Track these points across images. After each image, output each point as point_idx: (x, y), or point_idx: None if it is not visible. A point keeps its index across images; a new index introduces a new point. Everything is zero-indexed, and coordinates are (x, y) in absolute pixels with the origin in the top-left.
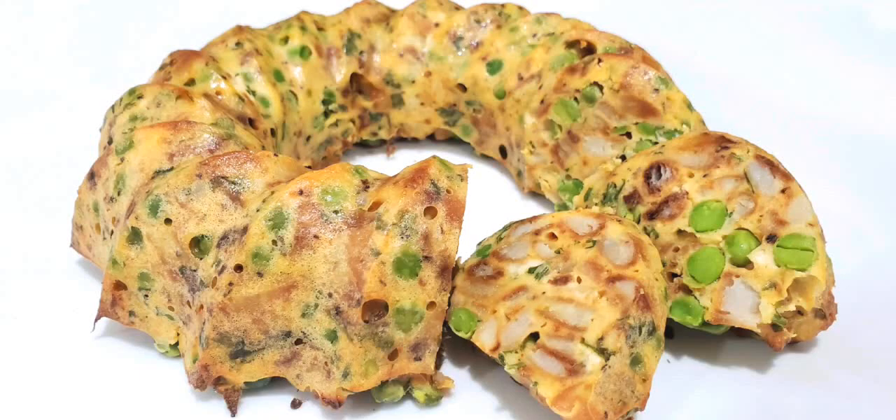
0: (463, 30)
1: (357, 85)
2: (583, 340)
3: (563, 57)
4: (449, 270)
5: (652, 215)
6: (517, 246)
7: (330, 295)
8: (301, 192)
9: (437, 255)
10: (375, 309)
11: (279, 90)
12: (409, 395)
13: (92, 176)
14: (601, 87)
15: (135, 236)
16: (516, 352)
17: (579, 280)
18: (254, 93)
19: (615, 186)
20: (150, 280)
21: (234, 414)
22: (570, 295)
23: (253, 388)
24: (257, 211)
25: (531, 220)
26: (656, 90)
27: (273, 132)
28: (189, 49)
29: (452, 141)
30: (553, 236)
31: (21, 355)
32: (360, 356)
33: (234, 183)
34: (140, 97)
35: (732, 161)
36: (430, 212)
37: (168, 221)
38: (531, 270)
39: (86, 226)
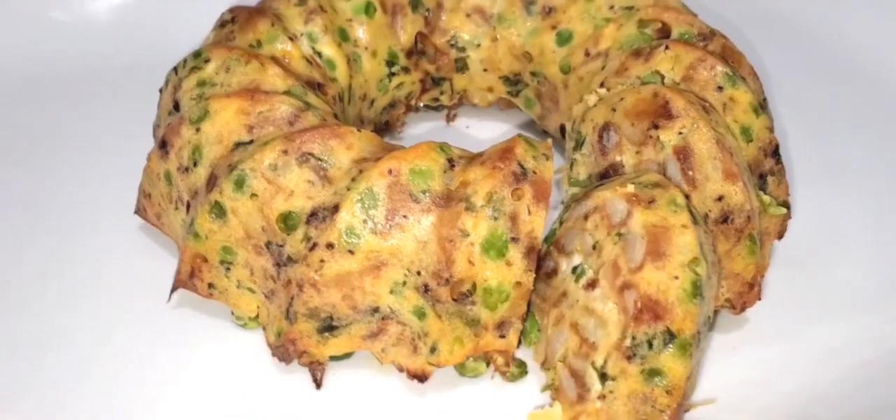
0: None
1: (421, 46)
2: (593, 363)
3: (634, 37)
4: (535, 251)
5: (602, 176)
6: (570, 233)
7: (419, 273)
8: (390, 172)
9: (523, 236)
10: (463, 288)
11: (344, 51)
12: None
13: (163, 144)
14: (663, 78)
15: (218, 210)
16: (553, 369)
17: (601, 287)
18: (320, 55)
19: (581, 134)
20: (233, 253)
21: (319, 386)
22: (593, 304)
23: (334, 360)
24: (347, 189)
25: (586, 194)
26: (719, 88)
27: (340, 97)
28: (248, 5)
29: (514, 112)
30: (596, 223)
31: (97, 324)
32: (448, 333)
33: (320, 159)
34: (207, 60)
35: (657, 145)
36: (516, 193)
37: (254, 196)
38: (574, 270)
39: (155, 194)
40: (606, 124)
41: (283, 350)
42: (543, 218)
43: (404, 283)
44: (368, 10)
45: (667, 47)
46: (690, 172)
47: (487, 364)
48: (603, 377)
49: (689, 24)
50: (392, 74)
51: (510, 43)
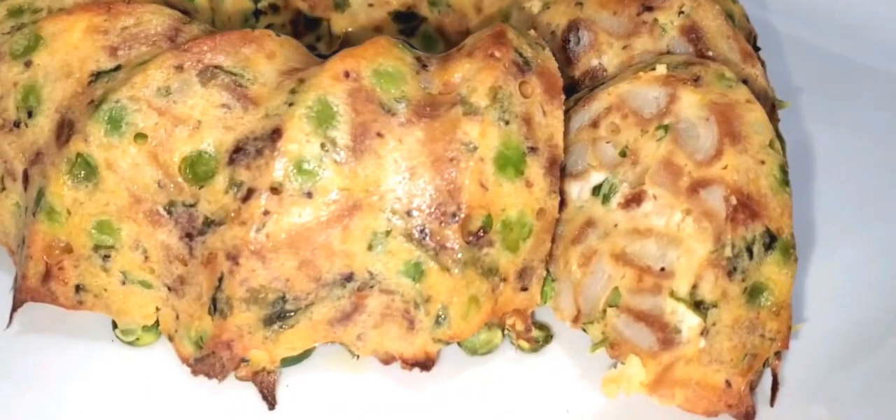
0: None
1: None
2: (672, 293)
3: None
4: (558, 165)
5: (570, 93)
6: (576, 150)
7: (409, 213)
8: (347, 75)
9: (543, 144)
10: (476, 224)
11: None
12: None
13: None
14: None
15: (84, 168)
16: (599, 321)
17: (655, 197)
18: None
19: None
20: (114, 231)
21: (273, 405)
22: (647, 223)
23: (289, 366)
24: (289, 105)
25: (585, 100)
26: None
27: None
28: None
29: None
30: (615, 126)
31: None
32: (462, 291)
33: (232, 73)
34: None
35: (655, 30)
36: (524, 88)
37: (140, 138)
38: (596, 190)
39: None
40: (573, 23)
41: (211, 362)
42: (561, 120)
43: (389, 231)
44: None
45: None
46: (709, 53)
47: (503, 332)
48: (698, 306)
49: None
50: (258, 12)
51: None
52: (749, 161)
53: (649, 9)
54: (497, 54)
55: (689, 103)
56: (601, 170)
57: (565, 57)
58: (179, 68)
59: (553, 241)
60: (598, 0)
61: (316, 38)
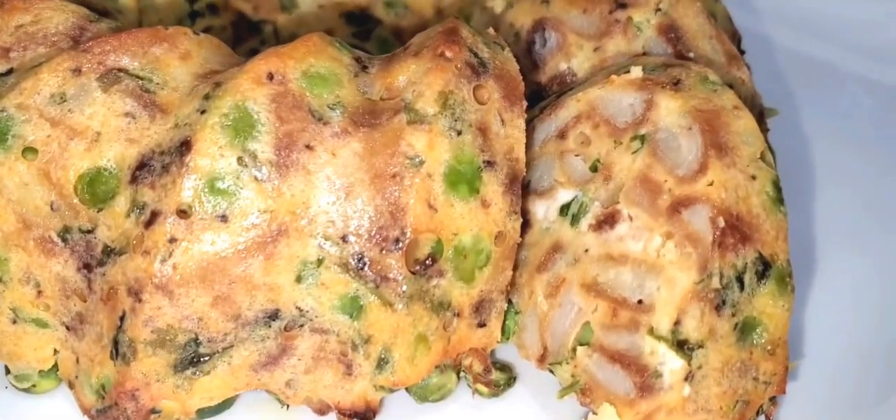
0: None
1: None
2: (652, 330)
3: None
4: (519, 181)
5: (536, 101)
6: (541, 165)
7: (344, 239)
8: (271, 77)
9: (501, 157)
10: (423, 250)
11: None
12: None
13: None
14: None
15: None
16: (568, 362)
17: (631, 217)
18: None
19: None
20: (0, 262)
21: None
22: (622, 248)
23: (205, 416)
24: (201, 113)
25: (551, 108)
26: None
27: None
28: None
29: None
30: (585, 137)
31: None
32: (408, 329)
33: (139, 77)
34: None
35: (629, 30)
36: (479, 93)
37: (29, 153)
38: (564, 210)
39: None
40: (538, 23)
41: (115, 414)
42: (522, 129)
43: (320, 260)
44: None
45: None
46: (690, 54)
47: (458, 375)
48: (681, 346)
49: None
50: (195, 14)
51: None
52: (738, 176)
53: (622, 6)
54: (448, 54)
55: (669, 110)
56: (570, 187)
57: (531, 60)
58: (77, 72)
59: (515, 268)
60: None
61: (260, 42)
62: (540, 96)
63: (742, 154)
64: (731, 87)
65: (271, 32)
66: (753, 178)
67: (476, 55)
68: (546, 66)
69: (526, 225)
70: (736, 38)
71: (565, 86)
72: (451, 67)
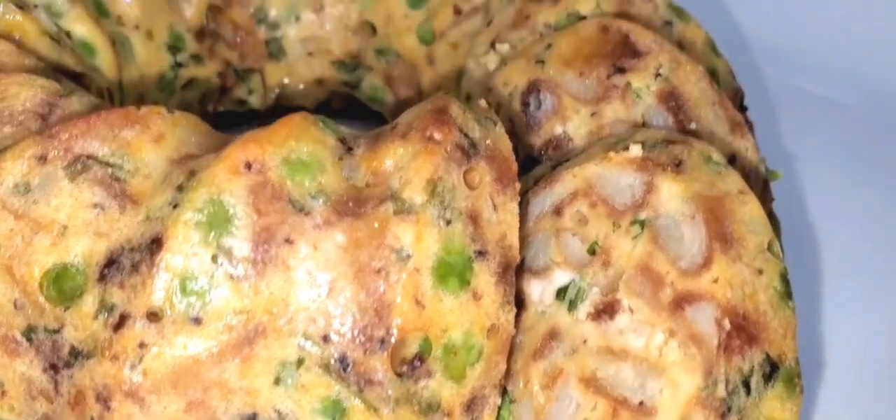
0: None
1: (214, 25)
2: None
3: None
4: (512, 270)
5: (531, 164)
6: (536, 242)
7: (326, 339)
8: (249, 166)
9: (493, 246)
10: (410, 350)
11: (105, 29)
12: None
13: None
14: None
15: None
16: None
17: (632, 309)
18: (69, 35)
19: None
20: None
21: None
22: (622, 342)
23: None
24: (173, 207)
25: (547, 181)
26: (668, 23)
27: (109, 95)
28: None
29: (355, 109)
30: (582, 216)
31: None
32: None
33: (109, 164)
34: None
35: (628, 96)
36: (470, 177)
37: None
38: (561, 294)
39: None
40: (533, 84)
41: None
42: (516, 214)
43: (301, 361)
44: None
45: None
46: (691, 124)
47: None
48: None
49: None
50: (178, 65)
51: (342, 12)
52: (744, 271)
53: (621, 71)
54: (437, 136)
55: (671, 195)
56: (566, 268)
57: (525, 122)
58: (42, 159)
59: (511, 352)
60: (562, 58)
61: (248, 91)
62: (534, 159)
63: (748, 245)
64: (734, 158)
65: (259, 81)
66: (760, 272)
67: (466, 135)
68: (541, 128)
69: (520, 305)
70: (738, 95)
71: (560, 150)
72: (441, 151)
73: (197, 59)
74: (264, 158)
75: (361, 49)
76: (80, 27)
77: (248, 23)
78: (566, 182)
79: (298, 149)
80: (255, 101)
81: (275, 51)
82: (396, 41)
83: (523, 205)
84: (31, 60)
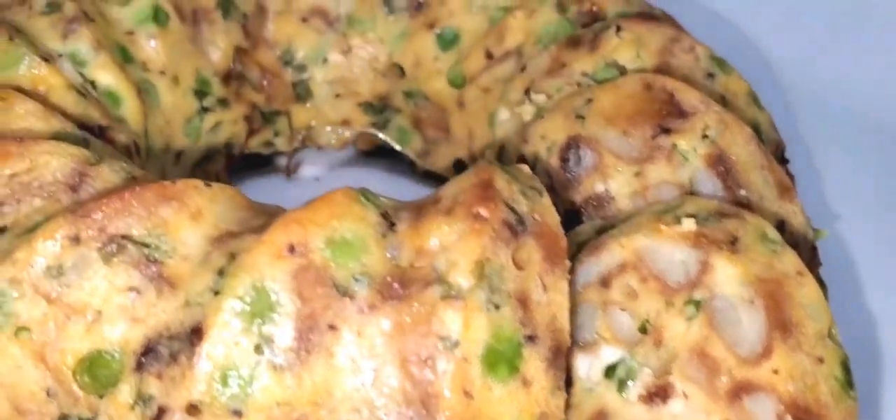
0: None
1: (241, 67)
2: None
3: (557, 25)
4: (563, 354)
5: (570, 221)
6: (582, 313)
7: None
8: (292, 249)
9: (543, 329)
10: None
11: (131, 77)
12: None
13: None
14: (624, 70)
15: None
16: None
17: (686, 395)
18: (94, 84)
19: (525, 161)
20: None
21: None
22: None
23: None
24: (215, 294)
25: (593, 249)
26: (710, 75)
27: (135, 148)
28: None
29: (382, 152)
30: (632, 290)
31: None
32: None
33: (145, 245)
34: None
35: (674, 158)
36: (518, 256)
37: (22, 332)
38: (610, 371)
39: None
40: (573, 140)
41: None
42: (566, 293)
43: None
44: (158, 16)
45: (619, 28)
46: (741, 191)
47: None
48: None
49: (625, 2)
50: (204, 109)
51: (370, 54)
52: (804, 361)
53: (667, 131)
54: (483, 213)
55: (728, 277)
56: (615, 344)
57: (564, 178)
58: (75, 240)
59: None
60: (604, 115)
61: (274, 133)
62: (574, 215)
63: (808, 332)
64: (782, 226)
65: (286, 123)
66: (821, 360)
67: (513, 210)
68: (581, 185)
69: (566, 382)
70: (780, 148)
71: (602, 208)
72: (488, 230)
73: (223, 103)
74: (307, 240)
75: (389, 91)
76: (106, 75)
77: (274, 65)
78: (614, 252)
79: (341, 228)
80: (281, 143)
81: (302, 93)
82: (425, 84)
83: (576, 262)
84: (58, 121)
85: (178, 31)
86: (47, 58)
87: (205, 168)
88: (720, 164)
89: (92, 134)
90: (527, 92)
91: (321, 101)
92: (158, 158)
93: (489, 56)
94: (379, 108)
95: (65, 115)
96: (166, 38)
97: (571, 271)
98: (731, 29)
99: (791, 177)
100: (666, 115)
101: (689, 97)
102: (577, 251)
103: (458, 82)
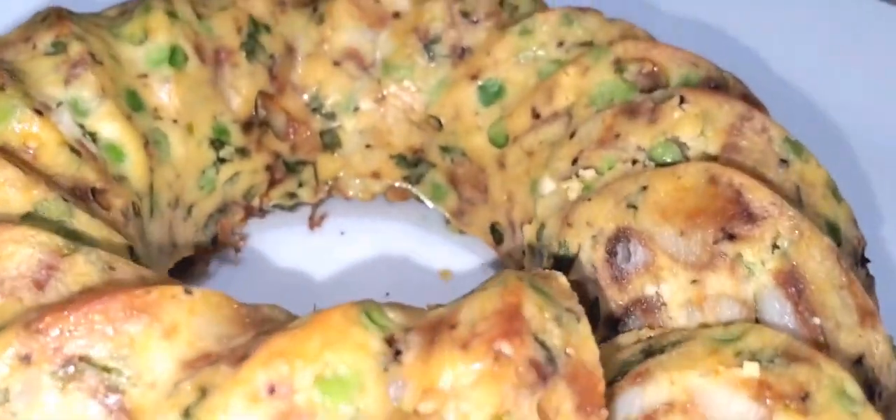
0: (441, 25)
1: (265, 113)
2: None
3: (613, 86)
4: None
5: (614, 322)
6: None
7: None
8: (272, 390)
9: None
10: None
11: (139, 128)
12: None
13: None
14: (685, 148)
15: None
16: None
17: None
18: (94, 137)
19: (564, 247)
20: None
21: None
22: None
23: None
24: None
25: (638, 377)
26: (783, 162)
27: (134, 210)
28: None
29: (412, 205)
30: None
31: None
32: None
33: (107, 370)
34: None
35: (738, 269)
36: (545, 404)
37: None
38: None
39: None
40: (622, 232)
41: None
42: None
43: None
44: (175, 58)
45: (682, 99)
46: (814, 318)
47: None
48: None
49: (692, 65)
50: (221, 161)
51: (406, 104)
52: None
53: (731, 237)
54: (507, 350)
55: None
56: None
57: (610, 273)
58: (26, 359)
59: None
60: (660, 208)
61: (298, 184)
62: (619, 319)
63: None
64: (860, 361)
65: (311, 173)
66: None
67: (543, 345)
68: (629, 284)
69: None
70: (860, 245)
71: (651, 314)
72: (510, 374)
73: (242, 152)
74: (292, 378)
75: (425, 144)
76: (109, 126)
77: (301, 112)
78: (661, 386)
79: (335, 362)
80: (306, 194)
81: (330, 142)
82: (464, 139)
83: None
84: (40, 190)
85: (196, 74)
86: (43, 109)
87: (217, 222)
88: (791, 283)
89: (83, 199)
90: (574, 162)
91: (350, 152)
92: (165, 215)
93: (535, 115)
94: (412, 162)
95: (52, 178)
96: (182, 82)
97: (609, 396)
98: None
99: (871, 279)
100: (731, 217)
101: (759, 197)
102: (617, 374)
103: (500, 141)
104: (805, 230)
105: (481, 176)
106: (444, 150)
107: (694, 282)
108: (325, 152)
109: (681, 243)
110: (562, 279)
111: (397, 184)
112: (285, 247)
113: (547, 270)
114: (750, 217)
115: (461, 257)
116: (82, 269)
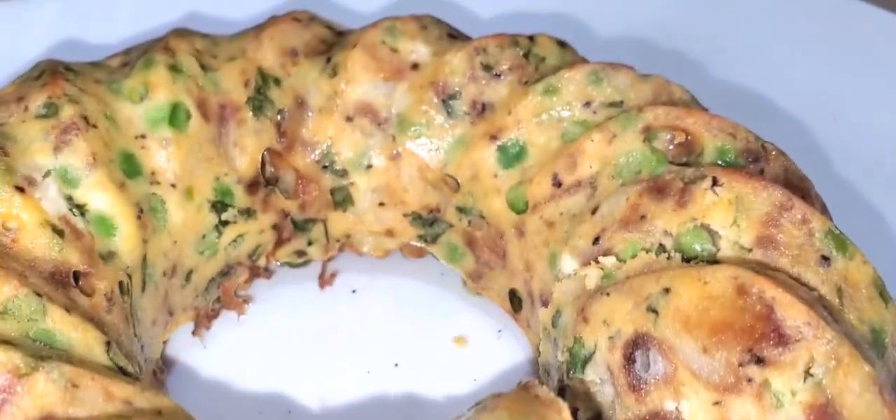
0: (461, 80)
1: (273, 171)
2: None
3: (642, 157)
4: None
5: None
6: None
7: None
8: None
9: None
10: None
11: (133, 196)
12: None
13: None
14: (716, 237)
15: None
16: None
17: None
18: (83, 211)
19: (581, 344)
20: None
21: None
22: None
23: None
24: None
25: None
26: (824, 259)
27: (122, 289)
28: None
29: (427, 261)
30: None
31: None
32: None
33: None
34: None
35: (765, 397)
36: None
37: None
38: None
39: None
40: (642, 338)
41: None
42: None
43: None
44: (176, 118)
45: (715, 181)
46: None
47: None
48: None
49: (729, 136)
50: (223, 223)
51: (421, 162)
52: None
53: (759, 361)
54: None
55: None
56: None
57: (626, 381)
58: None
59: None
60: (682, 318)
61: (308, 242)
62: None
63: None
64: None
65: (321, 231)
66: None
67: None
68: (647, 395)
69: None
70: None
71: None
72: None
73: (247, 213)
74: None
75: (441, 204)
76: (100, 197)
77: (311, 169)
78: None
79: None
80: (315, 252)
81: (341, 200)
82: (482, 201)
83: None
84: (11, 286)
85: (198, 133)
86: (27, 183)
87: (220, 284)
88: (825, 416)
89: (63, 285)
90: (596, 241)
91: (363, 210)
92: (160, 285)
93: (557, 183)
94: (428, 221)
95: (32, 263)
96: (183, 144)
97: None
98: None
99: None
100: (760, 338)
101: (792, 315)
102: None
103: (520, 207)
104: (843, 357)
105: (500, 241)
106: (461, 210)
107: (716, 403)
108: (336, 210)
109: (704, 360)
110: (565, 414)
111: (412, 242)
112: (293, 306)
113: (551, 398)
114: (781, 339)
115: (478, 321)
116: (42, 389)
